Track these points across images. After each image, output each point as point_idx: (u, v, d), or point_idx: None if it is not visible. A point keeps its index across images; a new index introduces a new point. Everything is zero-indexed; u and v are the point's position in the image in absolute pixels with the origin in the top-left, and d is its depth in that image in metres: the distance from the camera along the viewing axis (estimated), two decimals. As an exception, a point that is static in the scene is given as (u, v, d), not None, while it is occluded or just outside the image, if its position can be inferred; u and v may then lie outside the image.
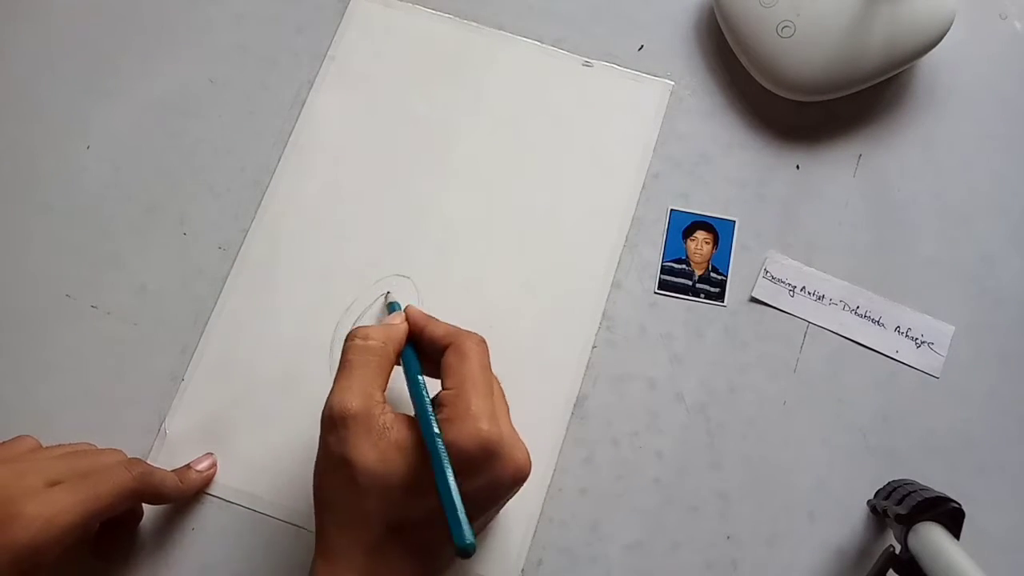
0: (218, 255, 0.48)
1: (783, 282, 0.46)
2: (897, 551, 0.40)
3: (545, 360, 0.45)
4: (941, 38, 0.47)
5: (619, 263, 0.47)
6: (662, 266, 0.47)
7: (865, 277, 0.46)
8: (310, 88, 0.50)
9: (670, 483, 0.44)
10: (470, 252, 0.47)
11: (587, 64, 0.50)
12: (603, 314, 0.46)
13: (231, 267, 0.47)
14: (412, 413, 0.37)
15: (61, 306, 0.47)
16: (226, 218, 0.48)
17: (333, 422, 0.35)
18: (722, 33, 0.49)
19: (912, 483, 0.42)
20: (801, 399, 0.45)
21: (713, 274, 0.47)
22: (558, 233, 0.47)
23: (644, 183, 0.48)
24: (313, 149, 0.49)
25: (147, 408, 0.45)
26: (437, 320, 0.40)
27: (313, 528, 0.43)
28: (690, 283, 0.47)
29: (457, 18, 0.51)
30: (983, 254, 0.47)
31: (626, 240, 0.47)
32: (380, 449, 0.35)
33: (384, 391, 0.37)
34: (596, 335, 0.46)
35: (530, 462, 0.37)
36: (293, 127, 0.49)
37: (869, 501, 0.43)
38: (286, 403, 0.45)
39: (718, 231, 0.47)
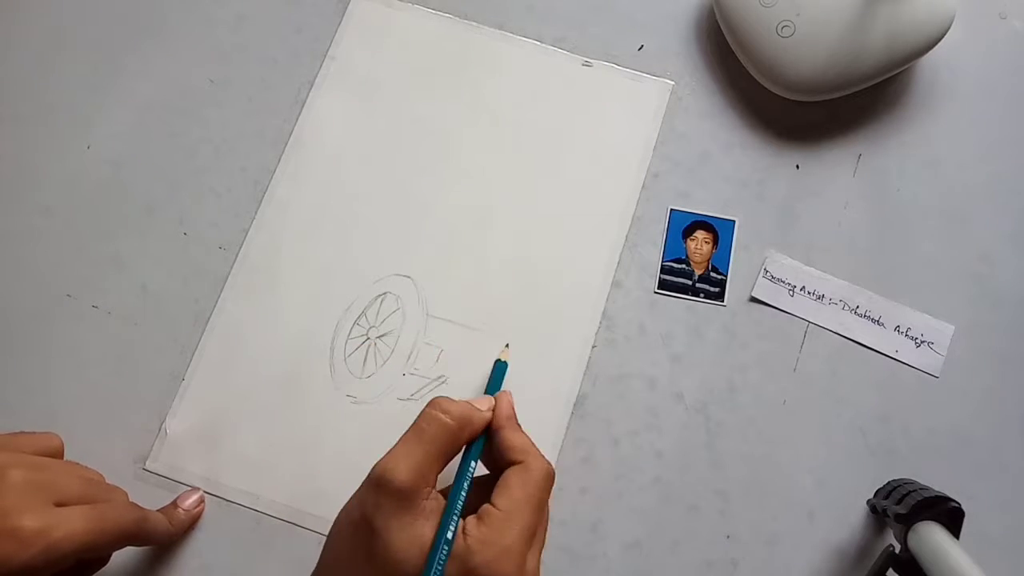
0: (218, 255, 0.48)
1: (783, 282, 0.46)
2: (897, 550, 0.40)
3: (545, 359, 0.45)
4: (941, 38, 0.47)
5: (619, 262, 0.47)
6: (662, 265, 0.47)
7: (865, 277, 0.46)
8: (310, 88, 0.50)
9: (670, 482, 0.44)
10: (470, 251, 0.47)
11: (587, 64, 0.50)
12: (603, 313, 0.46)
13: (231, 267, 0.47)
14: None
15: (62, 306, 0.47)
16: (226, 218, 0.48)
17: (377, 484, 0.34)
18: (722, 33, 0.49)
19: (912, 482, 0.42)
20: (801, 399, 0.45)
21: (713, 274, 0.47)
22: (558, 232, 0.47)
23: (644, 182, 0.48)
24: (314, 149, 0.49)
25: (148, 408, 0.45)
26: (517, 426, 0.38)
27: (312, 528, 0.44)
28: (690, 283, 0.47)
29: (457, 18, 0.51)
30: (983, 254, 0.47)
31: (626, 239, 0.47)
32: (408, 533, 0.33)
33: (439, 473, 0.35)
34: (596, 334, 0.46)
35: None
36: (294, 127, 0.49)
37: (869, 501, 0.43)
38: (287, 403, 0.45)
39: (718, 231, 0.47)
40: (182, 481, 0.44)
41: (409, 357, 0.45)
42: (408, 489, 0.33)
